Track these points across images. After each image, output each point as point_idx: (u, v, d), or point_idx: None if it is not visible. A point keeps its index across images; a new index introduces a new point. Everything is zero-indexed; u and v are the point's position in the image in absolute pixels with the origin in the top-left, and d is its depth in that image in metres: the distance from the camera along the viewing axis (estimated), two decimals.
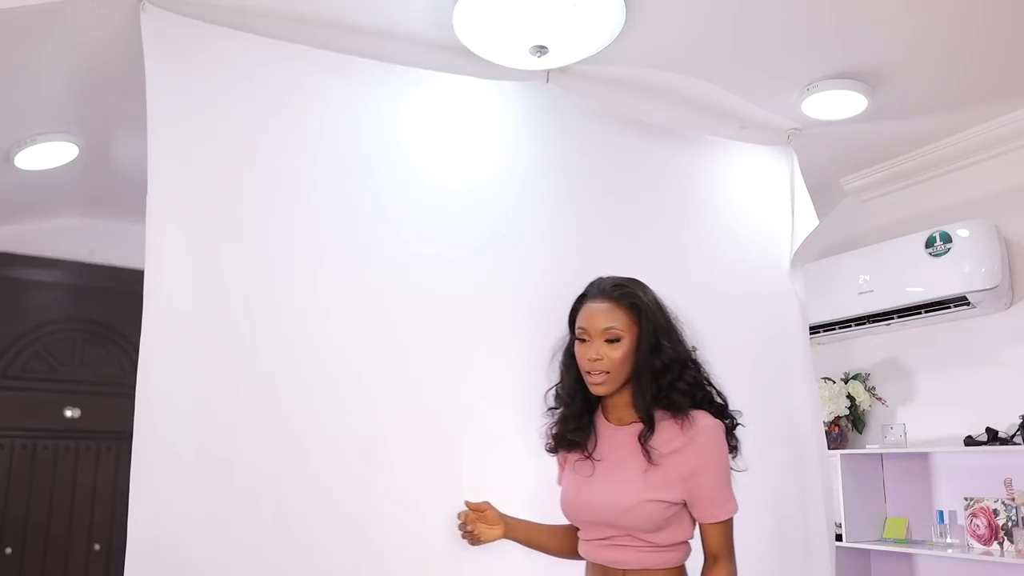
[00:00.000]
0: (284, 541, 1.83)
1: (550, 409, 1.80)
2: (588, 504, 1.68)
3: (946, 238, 2.99)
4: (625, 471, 1.65)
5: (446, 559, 1.89)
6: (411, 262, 2.09)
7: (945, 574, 3.09)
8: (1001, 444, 2.86)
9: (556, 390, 1.79)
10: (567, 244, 2.28)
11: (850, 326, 3.37)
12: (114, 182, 3.04)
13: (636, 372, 1.66)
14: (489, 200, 2.24)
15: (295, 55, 2.06)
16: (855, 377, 3.48)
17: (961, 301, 2.96)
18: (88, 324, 3.65)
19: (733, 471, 1.69)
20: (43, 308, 3.57)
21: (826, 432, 3.30)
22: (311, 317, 1.95)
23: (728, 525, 1.65)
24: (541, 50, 2.09)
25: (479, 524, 1.81)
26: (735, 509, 1.66)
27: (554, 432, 1.78)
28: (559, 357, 1.79)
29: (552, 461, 1.82)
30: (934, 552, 3.00)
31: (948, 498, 3.12)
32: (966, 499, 2.97)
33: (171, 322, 1.79)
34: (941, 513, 3.09)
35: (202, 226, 1.87)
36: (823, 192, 3.28)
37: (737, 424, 1.73)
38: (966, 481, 3.05)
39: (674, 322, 1.73)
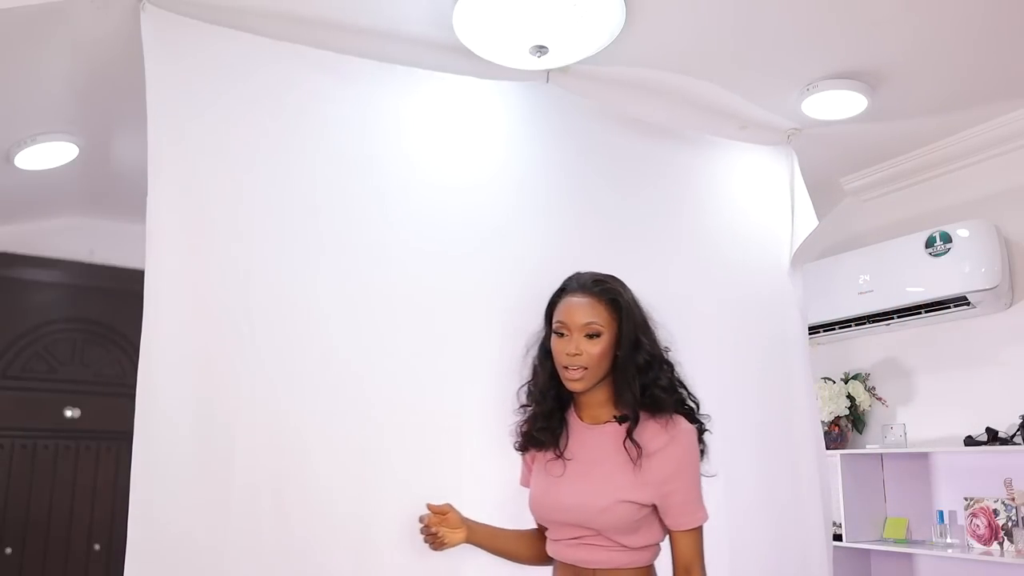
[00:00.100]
0: (284, 541, 1.83)
1: (522, 406, 1.77)
2: (558, 504, 1.65)
3: (946, 238, 2.99)
4: (599, 471, 1.62)
5: (447, 558, 1.88)
6: (411, 262, 2.09)
7: (945, 574, 3.09)
8: (1001, 444, 2.86)
9: (528, 387, 1.76)
10: (567, 244, 2.27)
11: (850, 326, 3.37)
12: (114, 182, 3.04)
13: (618, 368, 1.64)
14: (489, 200, 2.24)
15: (295, 55, 2.06)
16: (855, 377, 3.48)
17: (961, 301, 2.96)
18: (88, 324, 3.65)
19: (703, 476, 1.65)
20: (43, 308, 3.58)
21: (826, 432, 3.30)
22: (311, 317, 1.95)
23: (700, 534, 1.61)
24: (541, 50, 2.09)
25: (443, 528, 1.75)
26: (705, 517, 1.62)
27: (524, 430, 1.75)
28: (533, 352, 1.76)
29: None
30: (934, 552, 3.00)
31: (948, 498, 3.12)
32: (966, 499, 2.97)
33: (171, 322, 1.79)
34: (941, 513, 3.09)
35: (202, 226, 1.87)
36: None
37: (706, 429, 1.69)
38: (966, 481, 3.05)
39: (650, 321, 1.71)
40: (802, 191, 2.78)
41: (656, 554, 1.65)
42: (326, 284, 1.98)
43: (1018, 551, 2.73)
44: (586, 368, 1.63)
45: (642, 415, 1.62)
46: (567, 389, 1.69)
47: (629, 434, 1.61)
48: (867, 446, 3.37)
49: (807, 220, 2.75)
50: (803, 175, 2.81)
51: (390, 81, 2.17)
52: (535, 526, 1.82)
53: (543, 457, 1.72)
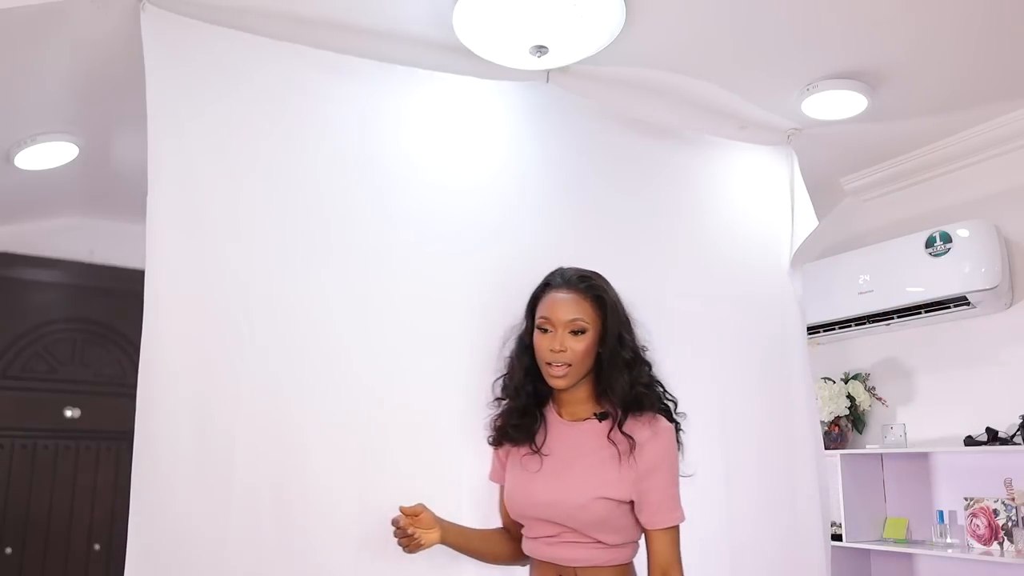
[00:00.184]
0: (285, 541, 1.83)
1: (496, 399, 1.76)
2: (534, 500, 1.63)
3: (946, 238, 2.99)
4: (578, 468, 1.61)
5: (447, 558, 1.88)
6: (411, 261, 2.09)
7: (945, 574, 3.09)
8: (1001, 444, 2.86)
9: (504, 380, 1.75)
10: (567, 243, 2.27)
11: (850, 326, 3.37)
12: (114, 182, 3.04)
13: (606, 365, 1.63)
14: (489, 200, 2.24)
15: (295, 55, 2.06)
16: (855, 377, 3.48)
17: (961, 301, 2.96)
18: (88, 324, 3.65)
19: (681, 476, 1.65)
20: (43, 308, 3.58)
21: (826, 432, 3.31)
22: (311, 317, 1.95)
23: (677, 534, 1.60)
24: (541, 50, 2.09)
25: (418, 529, 1.70)
26: (682, 517, 1.61)
27: (498, 425, 1.74)
28: (510, 345, 1.75)
29: None
30: (934, 552, 3.00)
31: (948, 498, 3.12)
32: (966, 499, 2.97)
33: (171, 322, 1.79)
34: (941, 513, 3.09)
35: (202, 226, 1.87)
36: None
37: (681, 428, 1.69)
38: (966, 481, 3.05)
39: (630, 319, 1.71)
40: (802, 191, 2.78)
41: (635, 551, 1.64)
42: (326, 284, 1.98)
43: (1018, 551, 2.73)
44: (570, 365, 1.63)
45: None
46: (546, 384, 1.68)
47: (620, 427, 1.60)
48: (867, 446, 3.37)
49: (807, 220, 2.75)
50: (803, 175, 2.81)
51: (390, 81, 2.17)
52: (500, 525, 1.82)
53: (518, 452, 1.71)
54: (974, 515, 2.91)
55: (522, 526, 1.73)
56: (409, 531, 1.68)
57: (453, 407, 2.05)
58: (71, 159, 2.76)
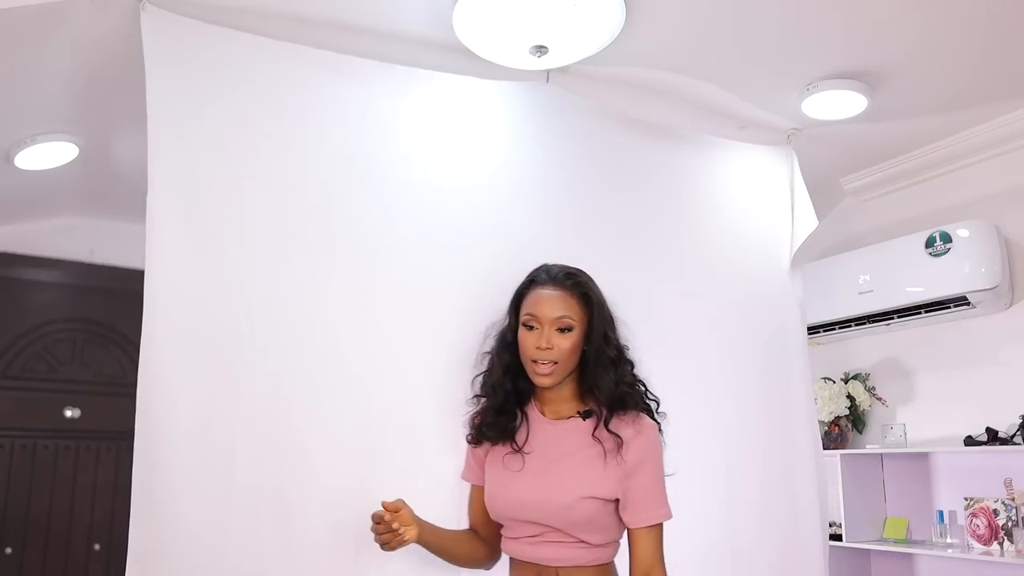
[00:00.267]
0: (285, 541, 1.83)
1: (475, 396, 1.75)
2: (517, 500, 1.61)
3: (946, 238, 2.99)
4: (563, 467, 1.60)
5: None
6: (411, 262, 2.09)
7: (945, 574, 3.09)
8: (1001, 444, 2.86)
9: (484, 378, 1.74)
10: (567, 243, 2.27)
11: (850, 326, 3.37)
12: (114, 182, 3.04)
13: (591, 363, 1.63)
14: (489, 200, 2.24)
15: (295, 55, 2.05)
16: (855, 377, 3.48)
17: (961, 301, 2.96)
18: (88, 324, 3.65)
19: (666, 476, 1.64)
20: (43, 308, 3.58)
21: (826, 432, 3.31)
22: (311, 317, 1.95)
23: (660, 533, 1.58)
24: (541, 50, 2.09)
25: (399, 525, 1.63)
26: (668, 515, 1.59)
27: (477, 422, 1.73)
28: (491, 341, 1.74)
29: None
30: (934, 552, 3.00)
31: (948, 498, 3.12)
32: (966, 499, 2.97)
33: (171, 322, 1.79)
34: (941, 513, 3.09)
35: (202, 226, 1.87)
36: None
37: (661, 429, 1.68)
38: (966, 481, 3.05)
39: (614, 317, 1.70)
40: (802, 191, 2.78)
41: (616, 551, 1.64)
42: (326, 283, 1.98)
43: (1018, 551, 2.73)
44: (556, 363, 1.62)
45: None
46: (527, 382, 1.67)
47: (606, 424, 1.59)
48: (867, 446, 3.37)
49: (807, 220, 2.75)
50: (803, 175, 2.81)
51: (390, 81, 2.17)
52: (467, 527, 1.80)
53: (499, 451, 1.69)
54: (974, 515, 2.91)
55: (492, 528, 1.72)
56: (394, 525, 1.62)
57: (453, 407, 2.05)
58: (71, 159, 2.76)
